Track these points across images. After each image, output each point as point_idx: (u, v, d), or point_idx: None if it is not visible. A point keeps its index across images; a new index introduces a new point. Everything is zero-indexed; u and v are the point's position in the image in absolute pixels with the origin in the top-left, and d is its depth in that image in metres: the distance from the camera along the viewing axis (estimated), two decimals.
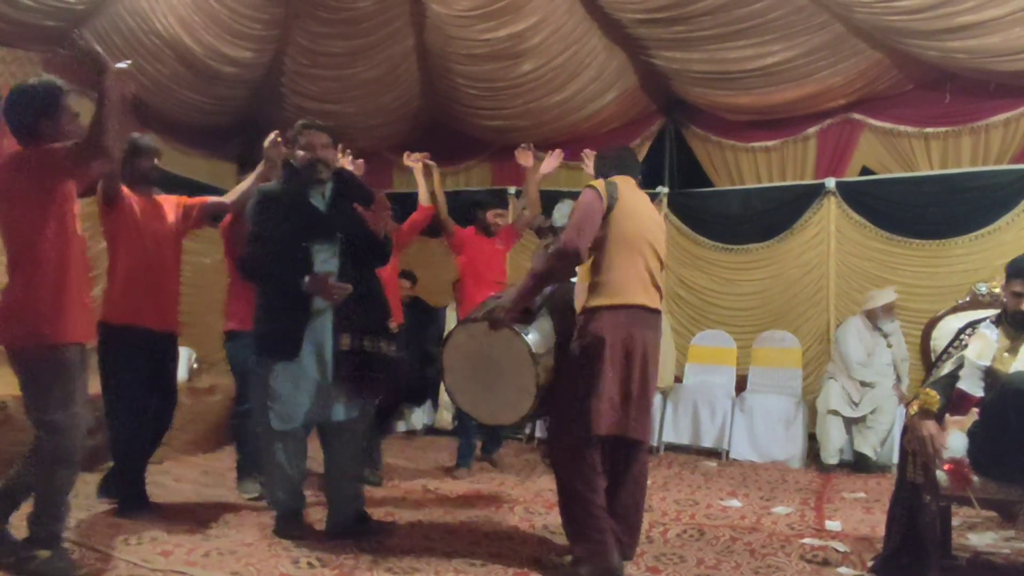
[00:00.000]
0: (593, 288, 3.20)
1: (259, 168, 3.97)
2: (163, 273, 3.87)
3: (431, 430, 6.64)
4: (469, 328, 3.29)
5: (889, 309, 5.76)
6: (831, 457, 5.58)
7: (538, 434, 5.81)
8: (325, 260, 3.41)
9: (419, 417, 6.66)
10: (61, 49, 5.85)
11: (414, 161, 5.17)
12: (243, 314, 3.97)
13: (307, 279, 3.32)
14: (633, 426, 3.16)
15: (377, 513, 3.85)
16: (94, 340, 3.35)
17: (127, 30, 5.74)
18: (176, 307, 3.99)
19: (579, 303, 3.28)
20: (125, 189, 3.76)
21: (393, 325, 3.62)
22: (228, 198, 4.15)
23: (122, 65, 2.74)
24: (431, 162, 5.20)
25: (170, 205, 3.98)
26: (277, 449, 3.47)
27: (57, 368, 2.79)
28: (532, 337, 3.16)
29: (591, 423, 3.07)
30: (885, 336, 5.76)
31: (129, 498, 3.78)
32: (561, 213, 5.05)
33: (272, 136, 3.90)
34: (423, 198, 5.15)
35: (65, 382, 2.79)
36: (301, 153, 3.49)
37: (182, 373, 5.44)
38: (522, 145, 5.02)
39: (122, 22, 5.72)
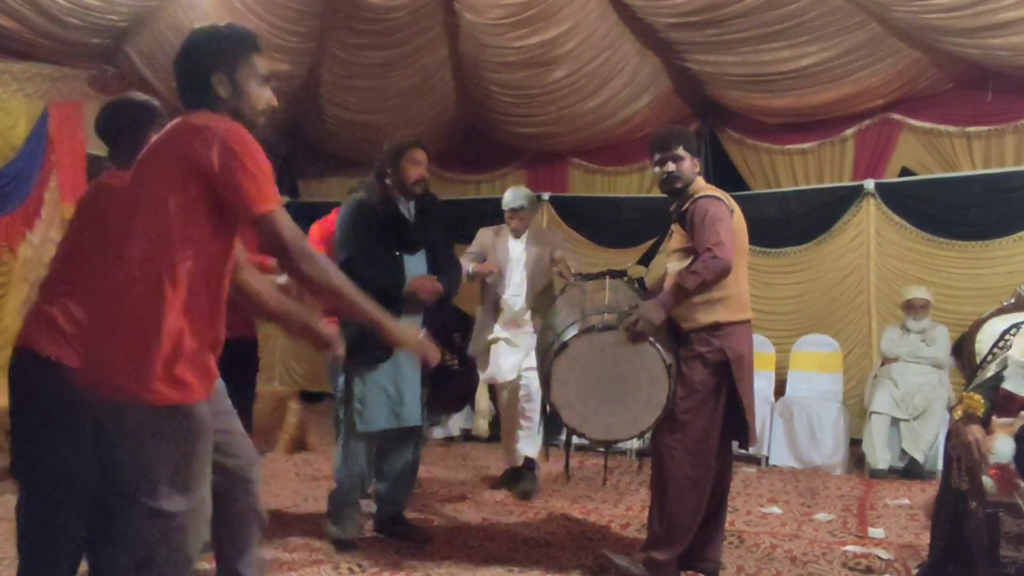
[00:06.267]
0: (718, 302, 3.10)
1: None
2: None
3: (468, 436, 6.66)
4: (593, 338, 3.06)
5: (916, 306, 5.66)
6: (879, 463, 5.38)
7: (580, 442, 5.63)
8: (412, 270, 3.55)
9: (456, 423, 6.68)
10: (106, 66, 6.03)
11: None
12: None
13: (410, 280, 3.49)
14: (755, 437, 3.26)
15: (417, 519, 3.89)
16: None
17: (169, 46, 5.87)
18: None
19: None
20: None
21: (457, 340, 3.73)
22: None
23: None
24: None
25: None
26: (356, 451, 3.54)
27: (182, 433, 1.81)
28: (663, 349, 3.05)
29: (745, 437, 3.16)
30: (918, 333, 5.65)
31: None
32: (514, 196, 4.75)
33: None
34: None
35: (190, 452, 1.83)
36: (404, 168, 3.63)
37: None
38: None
39: (163, 38, 5.87)
